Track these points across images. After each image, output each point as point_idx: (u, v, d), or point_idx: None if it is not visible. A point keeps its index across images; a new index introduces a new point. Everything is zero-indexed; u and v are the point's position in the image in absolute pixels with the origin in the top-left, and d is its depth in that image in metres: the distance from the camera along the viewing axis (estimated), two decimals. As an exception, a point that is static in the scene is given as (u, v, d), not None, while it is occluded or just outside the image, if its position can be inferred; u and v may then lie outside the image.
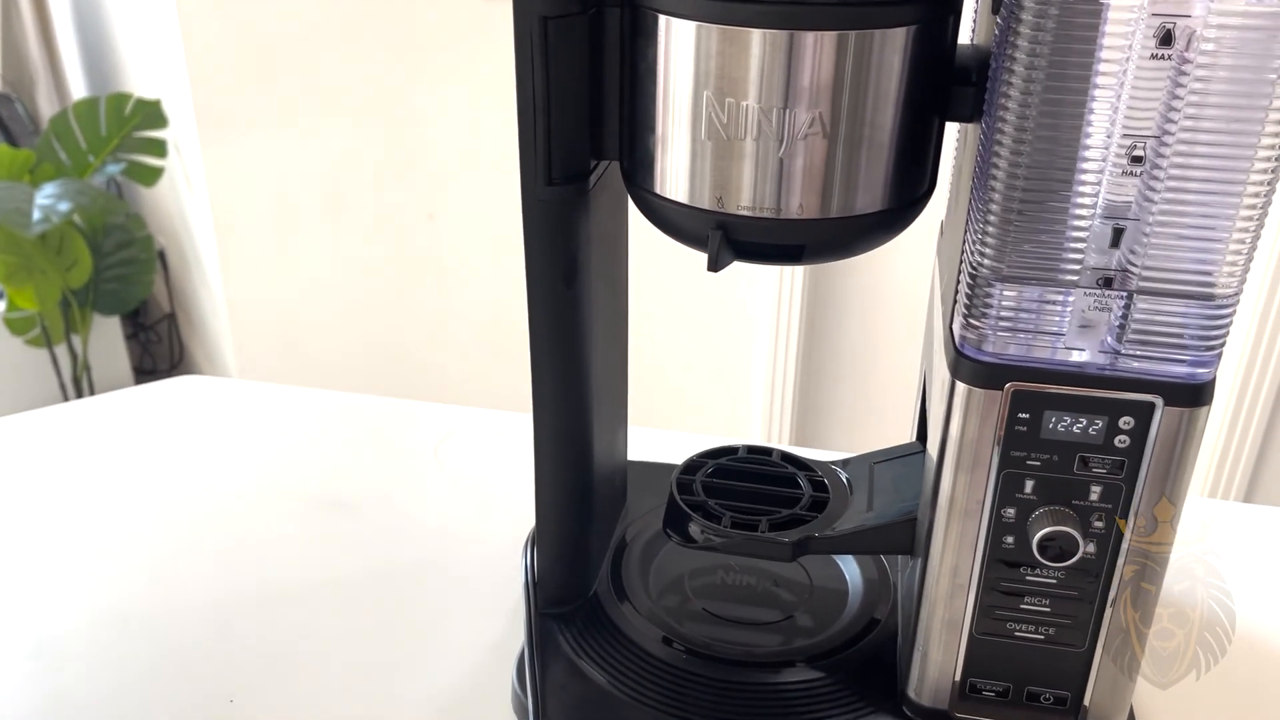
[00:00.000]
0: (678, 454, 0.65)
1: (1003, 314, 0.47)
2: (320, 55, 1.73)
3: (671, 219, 0.51)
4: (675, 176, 0.50)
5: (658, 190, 0.51)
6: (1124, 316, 0.46)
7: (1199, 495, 1.51)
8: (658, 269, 1.63)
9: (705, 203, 0.49)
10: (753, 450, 0.66)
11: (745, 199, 0.48)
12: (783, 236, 0.49)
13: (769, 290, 1.57)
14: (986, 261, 0.47)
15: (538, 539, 0.62)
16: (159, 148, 2.05)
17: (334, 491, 0.78)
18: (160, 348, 2.52)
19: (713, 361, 1.72)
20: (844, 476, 0.64)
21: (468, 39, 1.57)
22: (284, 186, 1.88)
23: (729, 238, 0.49)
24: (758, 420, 1.69)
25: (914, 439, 0.65)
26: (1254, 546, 0.73)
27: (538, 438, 0.58)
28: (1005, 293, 0.47)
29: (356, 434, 0.86)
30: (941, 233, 0.62)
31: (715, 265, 0.50)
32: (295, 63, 1.75)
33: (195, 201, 2.04)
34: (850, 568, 0.67)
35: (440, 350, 1.93)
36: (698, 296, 1.66)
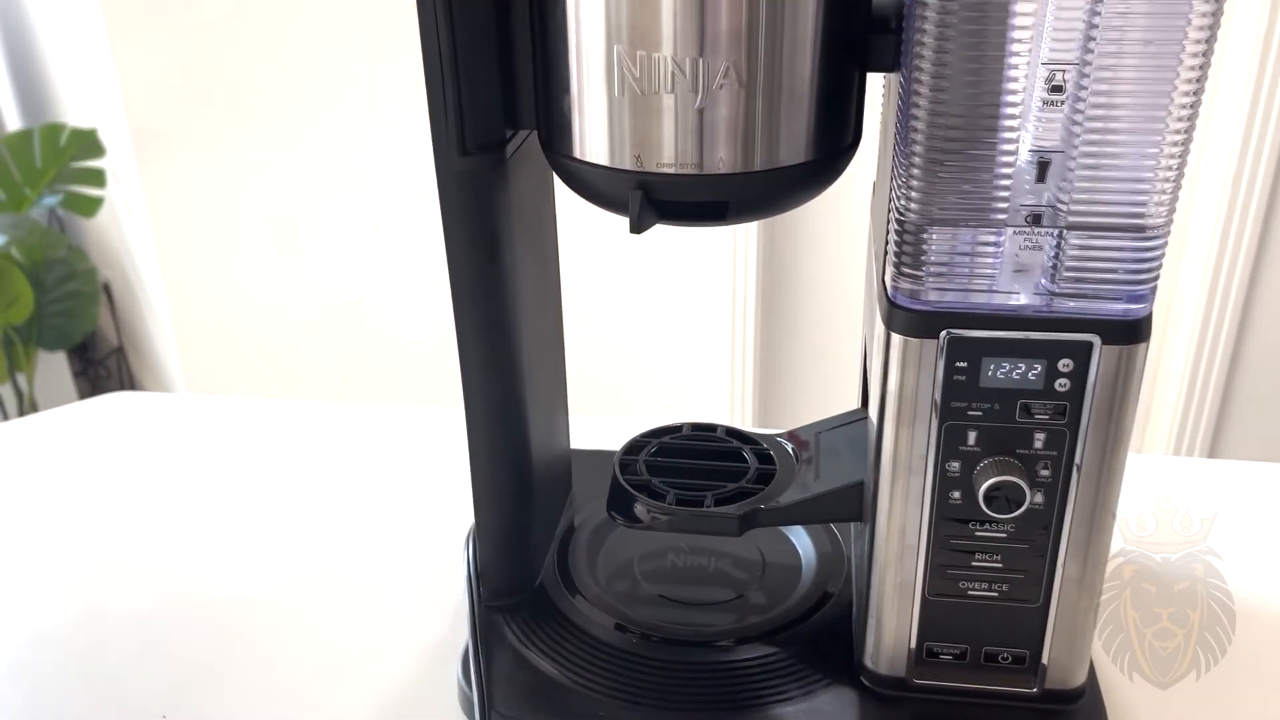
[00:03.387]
0: (626, 440, 0.64)
1: (933, 259, 0.46)
2: (254, 73, 1.71)
3: (591, 183, 0.49)
4: (592, 138, 0.48)
5: (576, 154, 0.49)
6: (1056, 255, 0.45)
7: (1163, 454, 1.52)
8: (614, 260, 1.62)
9: (624, 163, 0.48)
10: (696, 428, 0.65)
11: (665, 155, 0.47)
12: (705, 193, 0.48)
13: (723, 271, 1.56)
14: (913, 206, 0.45)
15: (477, 528, 0.60)
16: (97, 177, 2.01)
17: (269, 499, 0.76)
18: (110, 382, 2.47)
19: (673, 348, 1.70)
20: (790, 448, 0.62)
21: (402, 40, 1.55)
22: (227, 210, 1.85)
23: (650, 197, 0.48)
24: (721, 404, 1.68)
25: (859, 406, 0.64)
26: (1223, 502, 0.72)
27: (470, 421, 0.56)
28: (934, 237, 0.46)
29: (290, 440, 0.84)
30: (874, 192, 0.61)
31: (638, 227, 0.48)
32: (229, 83, 1.73)
33: (137, 230, 2.00)
34: (803, 542, 0.66)
35: (396, 364, 1.90)
36: (653, 281, 1.64)
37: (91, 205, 2.04)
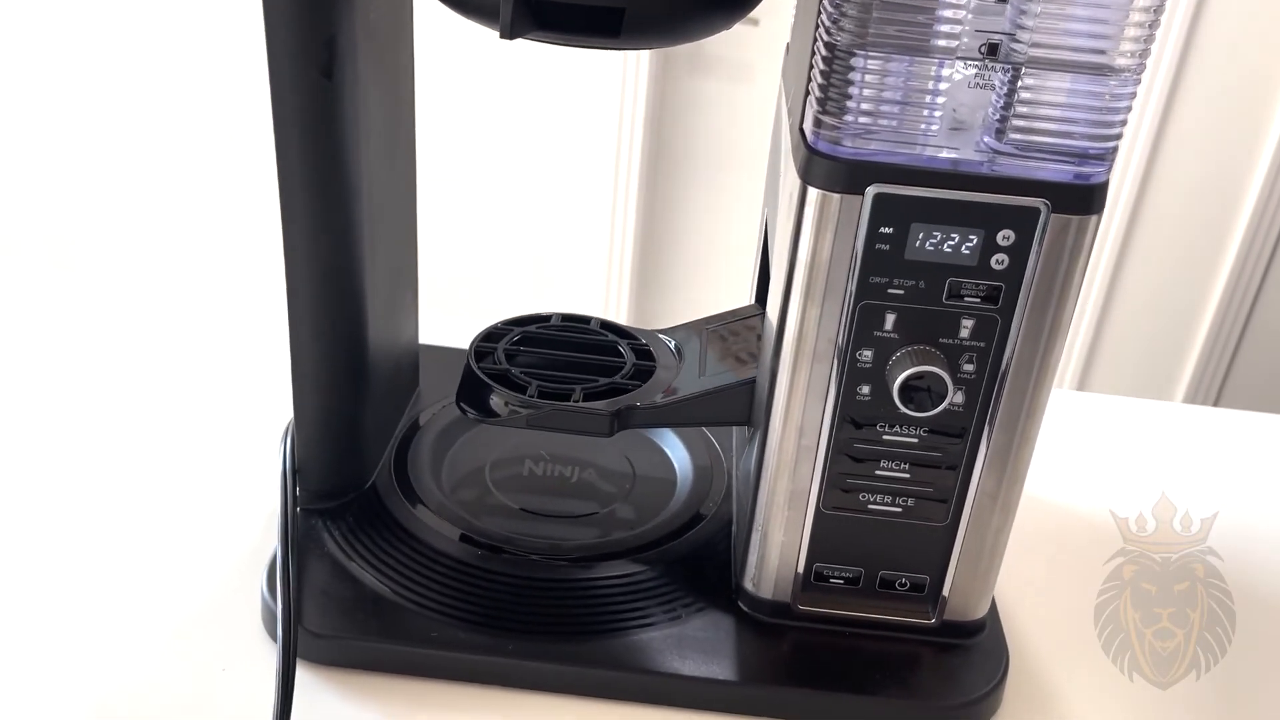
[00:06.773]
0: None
1: (865, 96, 0.38)
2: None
3: (455, -25, 0.40)
4: (459, -83, 0.39)
5: (438, -60, 0.40)
6: (1008, 98, 0.38)
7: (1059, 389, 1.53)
8: (497, 150, 1.52)
9: (498, -49, 0.38)
10: (568, 318, 0.56)
11: (548, -57, 0.38)
12: (595, -3, 0.39)
13: (605, 166, 1.48)
14: (846, 25, 0.37)
15: (295, 412, 0.50)
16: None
17: (65, 385, 0.64)
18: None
19: (550, 242, 1.61)
20: (672, 344, 0.54)
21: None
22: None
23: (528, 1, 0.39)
24: (595, 302, 1.61)
25: (753, 302, 0.56)
26: (1089, 434, 0.69)
27: (290, 280, 0.46)
28: (868, 66, 0.38)
29: (98, 322, 0.72)
30: (788, 52, 0.53)
31: (509, 32, 0.39)
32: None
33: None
34: (679, 454, 0.58)
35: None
36: (534, 169, 1.54)
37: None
